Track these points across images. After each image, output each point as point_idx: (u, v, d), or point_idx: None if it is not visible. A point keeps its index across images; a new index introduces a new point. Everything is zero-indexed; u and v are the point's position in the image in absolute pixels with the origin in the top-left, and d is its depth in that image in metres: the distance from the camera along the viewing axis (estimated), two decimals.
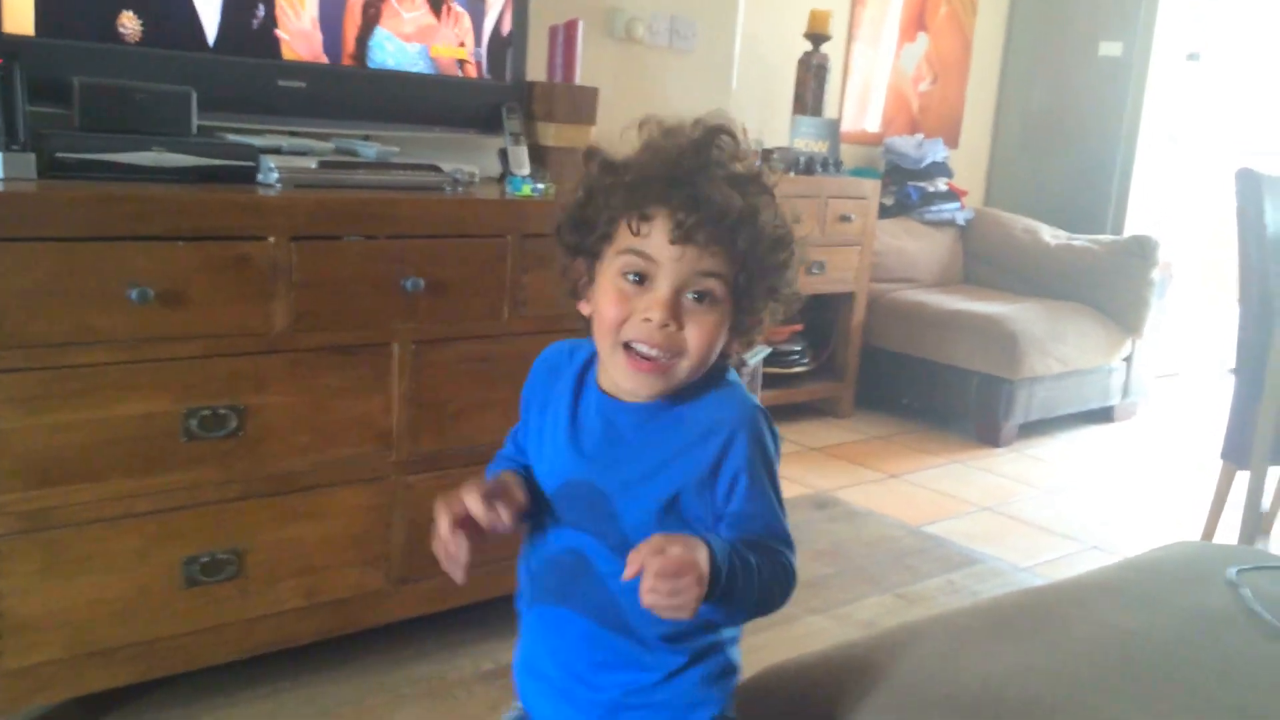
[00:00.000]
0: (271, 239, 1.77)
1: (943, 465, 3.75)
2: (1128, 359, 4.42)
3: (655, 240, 0.92)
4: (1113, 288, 4.30)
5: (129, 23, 1.92)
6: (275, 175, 1.89)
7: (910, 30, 4.77)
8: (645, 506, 0.98)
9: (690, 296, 0.94)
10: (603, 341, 0.97)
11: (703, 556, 0.88)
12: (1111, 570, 1.58)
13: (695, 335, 0.94)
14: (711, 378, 1.00)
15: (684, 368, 0.96)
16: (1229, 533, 2.96)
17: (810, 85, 4.02)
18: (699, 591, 0.87)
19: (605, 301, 0.95)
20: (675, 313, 0.93)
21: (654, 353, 0.94)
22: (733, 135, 0.96)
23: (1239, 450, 2.96)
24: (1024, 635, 1.28)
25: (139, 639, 1.76)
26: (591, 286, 1.00)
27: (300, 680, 1.98)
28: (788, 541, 0.99)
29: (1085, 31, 4.94)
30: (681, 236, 0.91)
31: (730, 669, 1.07)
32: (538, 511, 1.06)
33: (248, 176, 1.89)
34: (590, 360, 1.05)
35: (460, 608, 2.14)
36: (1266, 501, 3.05)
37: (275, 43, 2.09)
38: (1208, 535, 2.99)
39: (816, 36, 3.99)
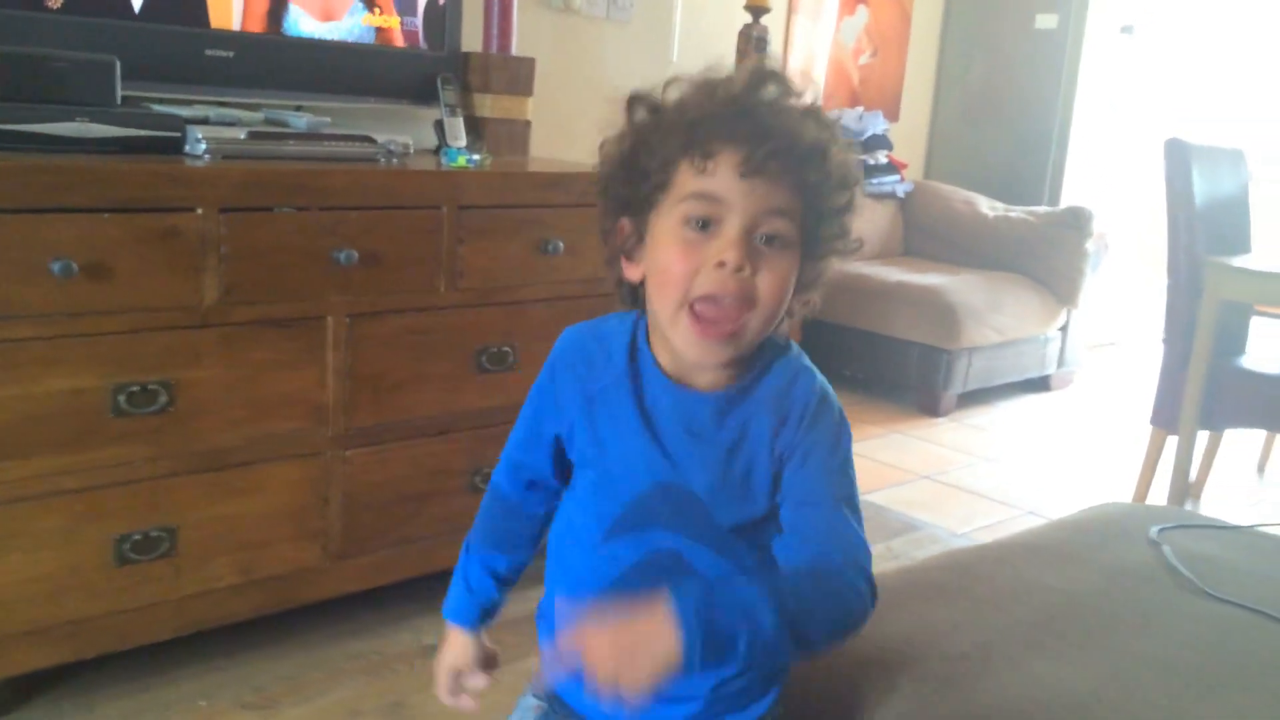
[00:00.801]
0: (200, 210, 1.74)
1: (884, 435, 3.79)
2: (1063, 329, 4.50)
3: (723, 177, 0.84)
4: (1048, 259, 4.36)
5: None
6: (203, 146, 1.86)
7: (850, 3, 4.78)
8: (741, 504, 0.93)
9: (760, 239, 0.86)
10: (665, 303, 0.88)
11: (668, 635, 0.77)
12: (1038, 531, 1.61)
13: (768, 282, 0.86)
14: (777, 347, 0.95)
15: (755, 323, 0.88)
16: (1159, 497, 3.04)
17: (750, 57, 4.02)
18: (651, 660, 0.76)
19: (670, 255, 0.87)
20: (749, 255, 0.85)
21: (727, 301, 0.86)
22: (784, 81, 0.89)
23: (1167, 416, 3.03)
24: (951, 594, 1.30)
25: (70, 618, 1.73)
26: (642, 246, 0.91)
27: (237, 658, 1.96)
28: (855, 542, 0.92)
29: (1022, 4, 4.98)
30: (753, 169, 0.83)
31: (783, 666, 1.03)
32: (605, 518, 0.96)
33: (174, 148, 1.86)
34: (634, 344, 0.96)
35: (399, 582, 2.13)
36: (1196, 466, 3.13)
37: (203, 10, 2.05)
38: (1138, 499, 3.06)
39: (756, 9, 3.98)
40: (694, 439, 0.92)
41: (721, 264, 0.85)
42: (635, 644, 0.76)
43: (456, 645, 1.11)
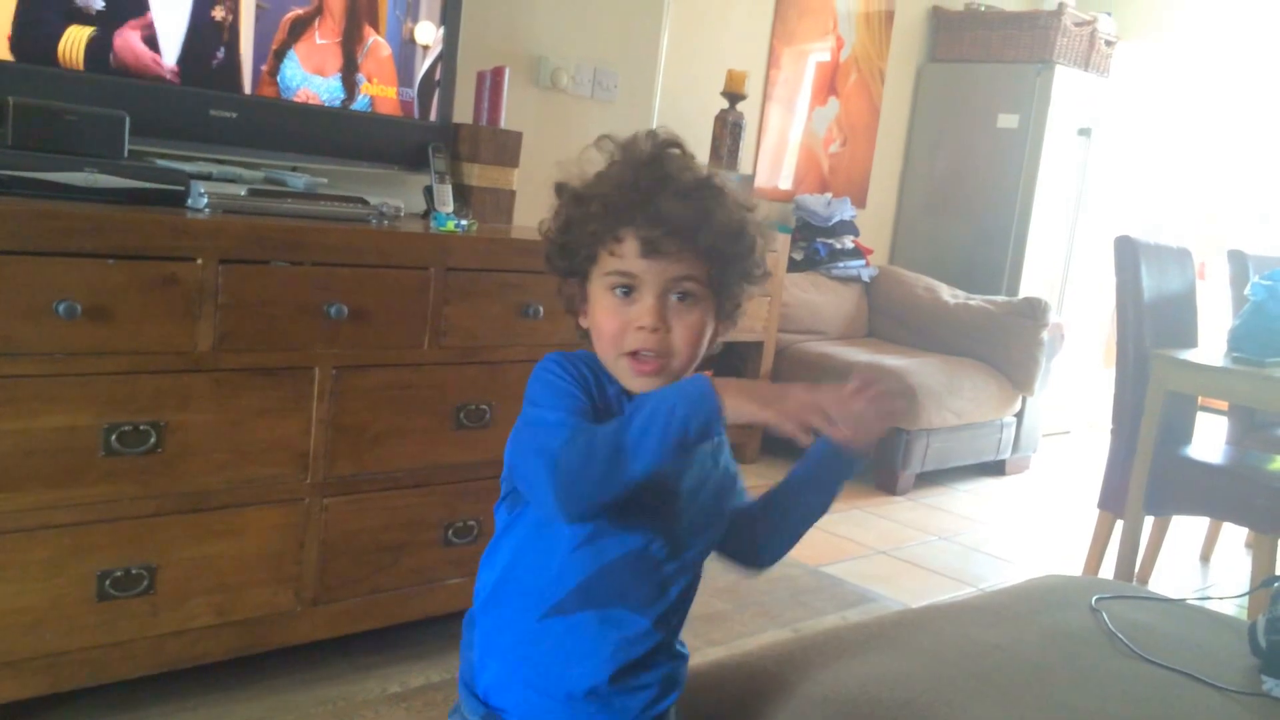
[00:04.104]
0: (199, 261, 1.82)
1: (843, 510, 3.88)
2: (1019, 415, 4.63)
3: (630, 257, 1.03)
4: (1006, 346, 4.52)
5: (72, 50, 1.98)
6: (205, 200, 1.95)
7: (822, 94, 4.98)
8: (704, 498, 1.11)
9: (674, 298, 1.04)
10: (606, 352, 1.07)
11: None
12: (985, 595, 1.70)
13: (682, 334, 1.05)
14: (707, 362, 1.12)
15: (678, 362, 1.06)
16: (1107, 578, 3.14)
17: (726, 141, 4.19)
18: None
19: (602, 317, 1.06)
20: (663, 316, 1.04)
21: (650, 354, 1.04)
22: (680, 146, 1.07)
23: (1115, 500, 3.15)
24: (899, 647, 1.39)
25: (48, 651, 1.77)
26: (586, 303, 1.09)
27: (209, 698, 2.00)
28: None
29: (985, 104, 5.22)
30: (650, 251, 1.02)
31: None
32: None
33: (177, 200, 1.95)
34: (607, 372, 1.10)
35: (369, 631, 2.18)
36: (1143, 550, 3.23)
37: (212, 73, 2.16)
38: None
39: (733, 95, 4.17)
40: None
41: (641, 327, 1.03)
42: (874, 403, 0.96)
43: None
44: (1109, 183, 5.51)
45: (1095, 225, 5.44)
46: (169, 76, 2.11)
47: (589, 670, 1.06)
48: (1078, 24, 5.15)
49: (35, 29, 1.94)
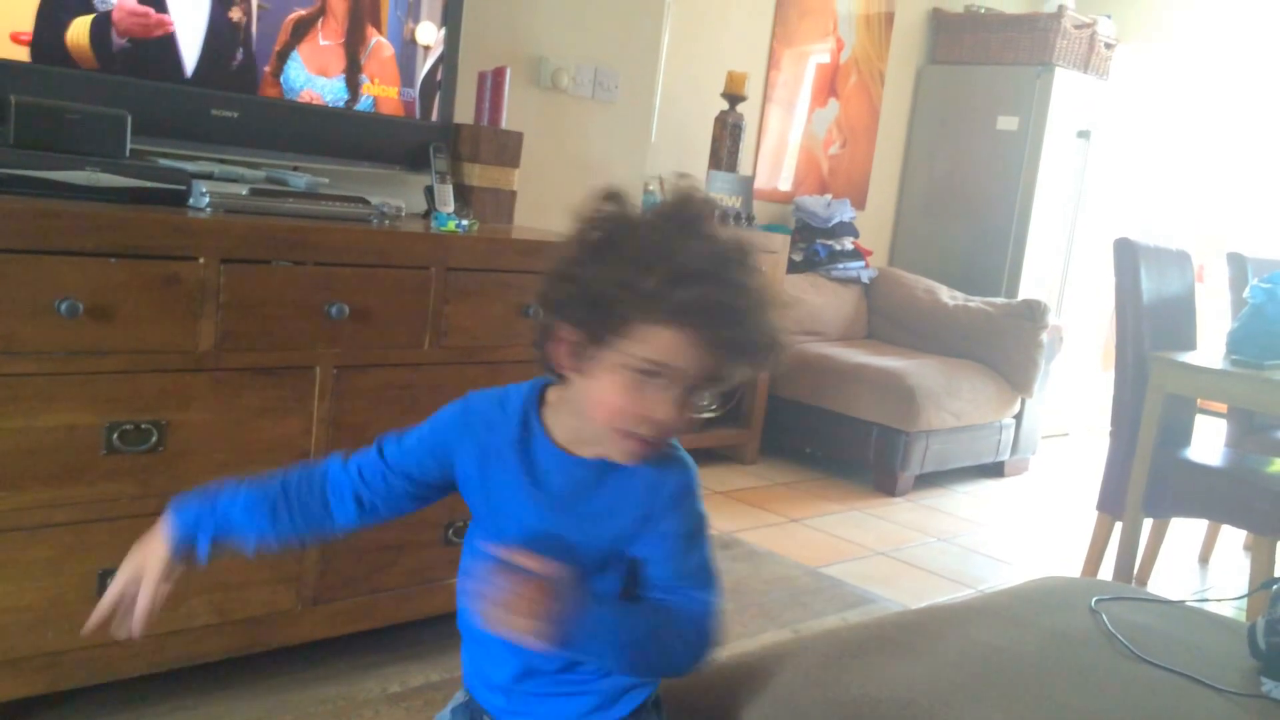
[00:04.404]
0: (201, 260, 1.82)
1: (842, 512, 3.89)
2: (1018, 417, 4.64)
3: (673, 353, 0.93)
4: (1005, 348, 4.52)
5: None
6: (206, 200, 1.95)
7: (822, 96, 4.99)
8: (605, 554, 1.05)
9: (690, 390, 0.97)
10: (601, 422, 0.99)
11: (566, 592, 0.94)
12: (985, 597, 1.71)
13: (688, 415, 0.98)
14: None
15: (675, 438, 1.04)
16: (1106, 579, 3.14)
17: (726, 142, 4.19)
18: (540, 611, 0.92)
19: (613, 394, 0.96)
20: (681, 411, 0.96)
21: (651, 439, 0.98)
22: (746, 251, 0.97)
23: (1113, 502, 3.15)
24: (900, 649, 1.39)
25: (49, 649, 1.77)
26: (584, 357, 0.97)
27: (209, 697, 2.00)
28: (711, 597, 1.05)
29: (984, 106, 5.23)
30: (701, 366, 0.94)
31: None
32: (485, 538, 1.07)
33: (179, 200, 1.95)
34: (527, 412, 1.07)
35: (369, 631, 2.18)
36: (1141, 552, 3.24)
37: (215, 73, 2.16)
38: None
39: (733, 97, 4.17)
40: (577, 498, 1.05)
41: (658, 420, 0.96)
42: (528, 597, 0.91)
43: (158, 550, 1.09)
44: (1108, 185, 5.52)
45: (1094, 227, 5.45)
46: (172, 76, 2.11)
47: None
48: (1077, 26, 5.15)
49: (45, 26, 1.94)
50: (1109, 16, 5.41)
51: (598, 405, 0.97)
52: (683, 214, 0.96)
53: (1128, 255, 3.13)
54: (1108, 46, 5.35)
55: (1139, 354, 3.10)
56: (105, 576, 1.80)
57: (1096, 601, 1.65)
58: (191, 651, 1.94)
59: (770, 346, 0.97)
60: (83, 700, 1.91)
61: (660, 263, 0.92)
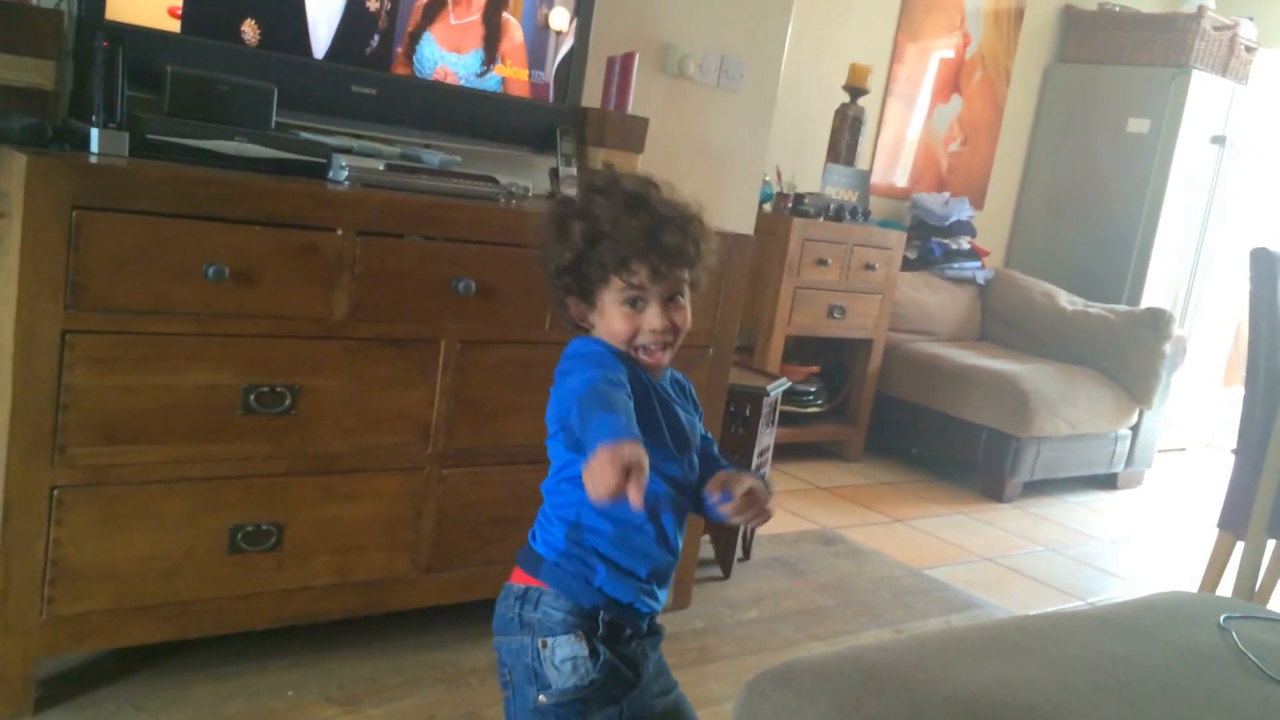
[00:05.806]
0: (339, 231, 1.88)
1: (947, 515, 3.83)
2: (1135, 428, 4.51)
3: (641, 279, 1.26)
4: (1125, 357, 4.39)
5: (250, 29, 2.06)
6: (345, 173, 2.01)
7: (944, 92, 4.90)
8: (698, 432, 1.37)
9: (669, 299, 1.28)
10: (618, 345, 1.28)
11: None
12: (1105, 608, 1.67)
13: (681, 319, 1.29)
14: None
15: (679, 340, 1.31)
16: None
17: (845, 135, 4.15)
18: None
19: (618, 324, 1.27)
20: (667, 313, 1.28)
21: (655, 347, 1.28)
22: (657, 184, 1.30)
23: (1235, 521, 3.04)
24: (1021, 651, 1.37)
25: (180, 598, 1.85)
26: (594, 312, 1.30)
27: (324, 654, 2.06)
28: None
29: (1114, 107, 5.07)
30: (658, 277, 1.26)
31: None
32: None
33: (319, 172, 2.01)
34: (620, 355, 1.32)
35: (480, 601, 2.22)
36: (1263, 572, 3.12)
37: (355, 51, 2.22)
38: None
39: (855, 89, 4.12)
40: (680, 396, 1.36)
41: (653, 330, 1.27)
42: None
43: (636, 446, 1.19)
44: (1243, 193, 5.31)
45: (1226, 237, 5.26)
46: (316, 53, 2.17)
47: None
48: (1217, 28, 4.97)
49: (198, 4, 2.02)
50: (1251, 19, 5.19)
51: (613, 335, 1.28)
52: (617, 188, 1.28)
53: (1265, 266, 3.01)
54: (1249, 50, 5.15)
55: (1272, 369, 2.98)
56: (237, 532, 1.87)
57: (1225, 619, 1.60)
58: (312, 609, 2.01)
59: (707, 250, 1.29)
60: (207, 649, 1.99)
61: (610, 226, 1.25)
